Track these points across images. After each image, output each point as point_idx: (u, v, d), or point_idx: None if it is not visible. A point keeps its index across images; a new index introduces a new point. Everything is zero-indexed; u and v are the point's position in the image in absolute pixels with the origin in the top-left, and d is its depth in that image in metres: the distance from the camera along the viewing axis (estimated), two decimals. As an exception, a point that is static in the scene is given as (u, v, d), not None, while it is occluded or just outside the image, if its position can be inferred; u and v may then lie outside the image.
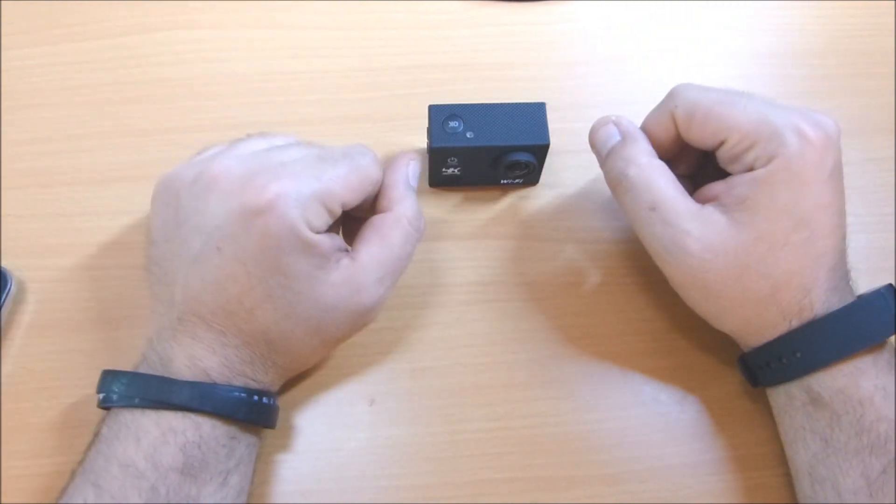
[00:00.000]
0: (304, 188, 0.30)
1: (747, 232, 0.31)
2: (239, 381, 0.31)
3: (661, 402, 0.37)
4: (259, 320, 0.30)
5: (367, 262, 0.32)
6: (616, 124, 0.36)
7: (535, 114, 0.38)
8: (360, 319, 0.33)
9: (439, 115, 0.38)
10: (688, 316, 0.38)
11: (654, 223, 0.32)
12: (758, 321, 0.32)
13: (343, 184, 0.31)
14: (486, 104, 0.38)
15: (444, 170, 0.40)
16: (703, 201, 0.33)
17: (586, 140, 0.37)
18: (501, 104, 0.38)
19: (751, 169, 0.32)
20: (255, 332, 0.31)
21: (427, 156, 0.40)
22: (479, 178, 0.41)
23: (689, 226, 0.32)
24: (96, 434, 0.30)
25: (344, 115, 0.43)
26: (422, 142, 0.42)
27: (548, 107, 0.38)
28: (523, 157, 0.38)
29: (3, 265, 0.37)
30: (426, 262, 0.40)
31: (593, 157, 0.37)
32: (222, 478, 0.30)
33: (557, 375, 0.37)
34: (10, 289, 0.37)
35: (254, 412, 0.31)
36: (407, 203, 0.34)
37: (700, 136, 0.33)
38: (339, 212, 0.32)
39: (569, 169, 0.42)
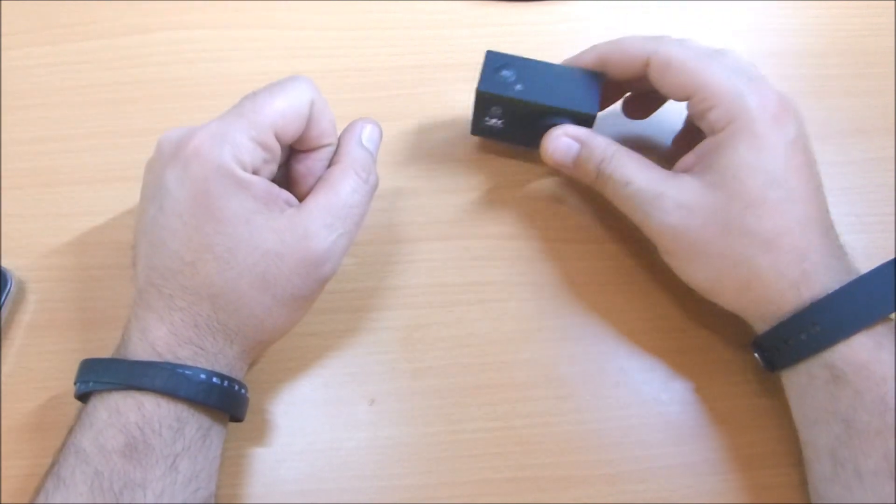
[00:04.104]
0: (227, 126, 0.30)
1: (720, 191, 0.33)
2: (186, 352, 0.30)
3: (661, 402, 0.37)
4: (201, 274, 0.29)
5: (313, 208, 0.31)
6: (567, 135, 0.37)
7: (591, 82, 0.37)
8: (312, 270, 0.31)
9: (494, 62, 0.37)
10: (688, 316, 0.38)
11: (633, 195, 0.35)
12: (761, 288, 0.32)
13: (269, 111, 0.31)
14: (546, 62, 0.38)
15: (486, 119, 0.39)
16: (676, 170, 0.35)
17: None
18: (561, 66, 0.38)
19: (713, 131, 0.34)
20: (199, 288, 0.30)
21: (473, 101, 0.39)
22: (520, 136, 0.40)
23: (663, 188, 0.34)
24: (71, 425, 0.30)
25: (344, 115, 0.43)
26: (423, 141, 0.42)
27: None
28: (564, 122, 0.37)
29: (3, 265, 0.37)
30: (426, 261, 0.40)
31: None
32: (169, 462, 0.28)
33: (557, 375, 0.37)
34: (10, 289, 0.37)
35: (201, 391, 0.29)
36: (356, 154, 0.34)
37: (670, 87, 0.35)
38: (274, 145, 0.31)
39: (569, 169, 0.42)
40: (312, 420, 0.36)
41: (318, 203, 0.32)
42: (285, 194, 0.32)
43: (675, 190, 0.34)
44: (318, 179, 0.33)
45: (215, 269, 0.30)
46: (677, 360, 0.38)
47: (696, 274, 0.35)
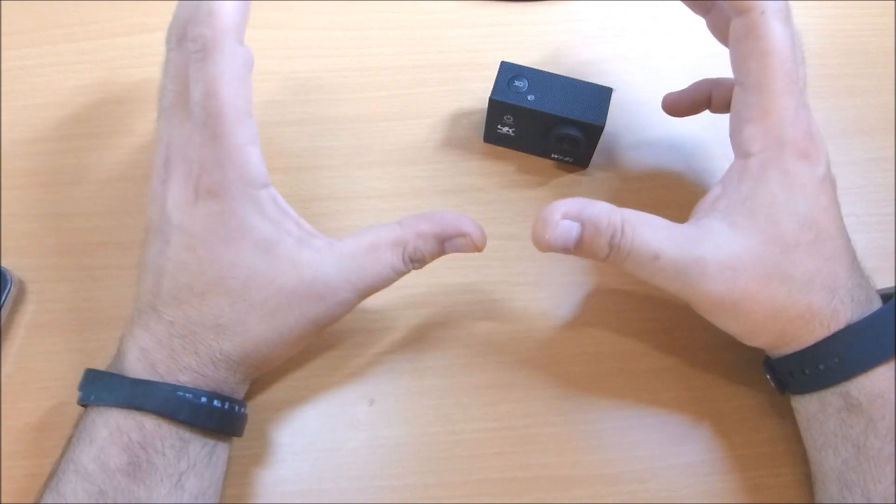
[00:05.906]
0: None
1: (755, 237, 0.31)
2: (186, 377, 0.29)
3: (661, 402, 0.37)
4: (210, 305, 0.29)
5: (347, 259, 0.31)
6: (566, 216, 0.30)
7: (600, 95, 0.39)
8: (322, 316, 0.31)
9: (508, 73, 0.39)
10: (689, 316, 0.38)
11: (665, 268, 0.30)
12: (793, 331, 0.31)
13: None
14: (557, 75, 0.39)
15: (499, 127, 0.40)
16: (703, 211, 0.33)
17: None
18: (572, 78, 0.39)
19: (744, 151, 0.32)
20: (205, 319, 0.29)
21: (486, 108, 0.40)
22: (531, 145, 0.41)
23: (698, 251, 0.30)
24: (69, 436, 0.30)
25: (343, 115, 0.43)
26: (423, 141, 0.42)
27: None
28: (572, 132, 0.38)
29: (3, 265, 0.37)
30: (426, 262, 0.40)
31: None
32: (174, 480, 0.28)
33: (557, 375, 0.37)
34: (10, 289, 0.37)
35: (201, 415, 0.29)
36: (421, 239, 0.32)
37: (736, 56, 0.32)
38: None
39: (569, 169, 0.42)
40: (312, 420, 0.36)
41: (355, 259, 0.31)
42: (308, 226, 0.32)
43: (712, 249, 0.30)
44: (372, 231, 0.32)
45: (227, 301, 0.29)
46: (677, 359, 0.38)
47: (735, 327, 0.33)
